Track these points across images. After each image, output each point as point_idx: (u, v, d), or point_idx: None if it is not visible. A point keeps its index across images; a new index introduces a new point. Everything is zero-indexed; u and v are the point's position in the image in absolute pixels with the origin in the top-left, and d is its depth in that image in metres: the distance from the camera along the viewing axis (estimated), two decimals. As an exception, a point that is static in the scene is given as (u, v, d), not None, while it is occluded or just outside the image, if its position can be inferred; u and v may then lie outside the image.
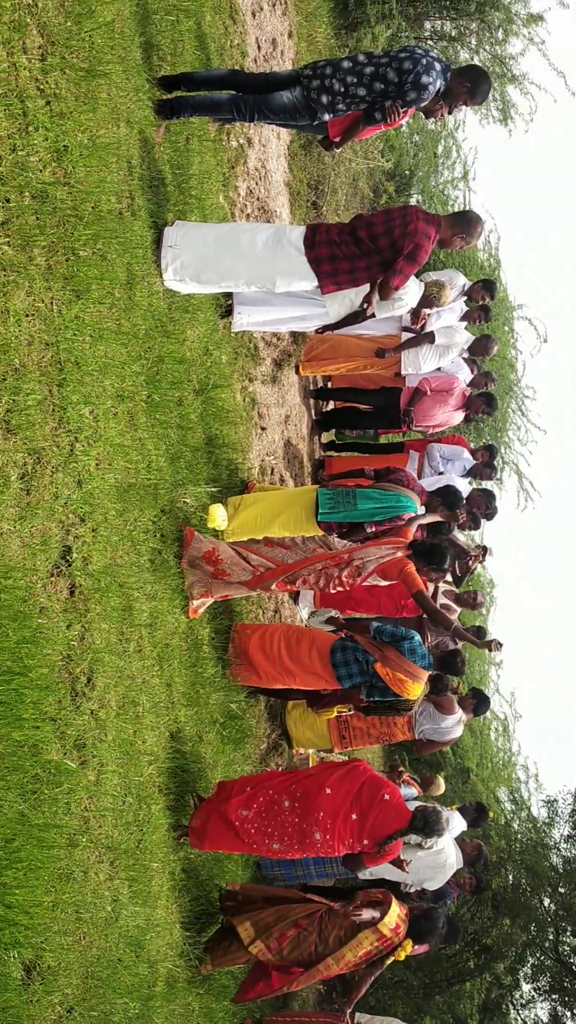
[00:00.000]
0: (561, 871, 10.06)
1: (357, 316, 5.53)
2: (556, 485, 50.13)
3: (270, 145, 7.80)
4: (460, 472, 8.14)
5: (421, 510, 5.83)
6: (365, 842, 4.65)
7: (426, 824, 4.70)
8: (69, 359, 3.55)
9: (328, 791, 4.66)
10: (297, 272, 4.81)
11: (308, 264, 4.77)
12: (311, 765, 6.85)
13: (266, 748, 6.45)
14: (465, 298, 8.21)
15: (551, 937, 9.95)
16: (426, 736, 6.99)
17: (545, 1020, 10.20)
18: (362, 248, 4.77)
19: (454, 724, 6.96)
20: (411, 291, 6.40)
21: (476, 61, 11.05)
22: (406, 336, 7.90)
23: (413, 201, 12.69)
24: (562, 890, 9.95)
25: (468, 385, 8.21)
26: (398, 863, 5.03)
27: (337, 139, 5.31)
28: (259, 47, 7.47)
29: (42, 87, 3.43)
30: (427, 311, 7.15)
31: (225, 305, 5.80)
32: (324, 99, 4.77)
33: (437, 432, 8.47)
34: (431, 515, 5.85)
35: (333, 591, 5.37)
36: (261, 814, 4.68)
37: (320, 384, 9.35)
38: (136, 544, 4.26)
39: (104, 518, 3.85)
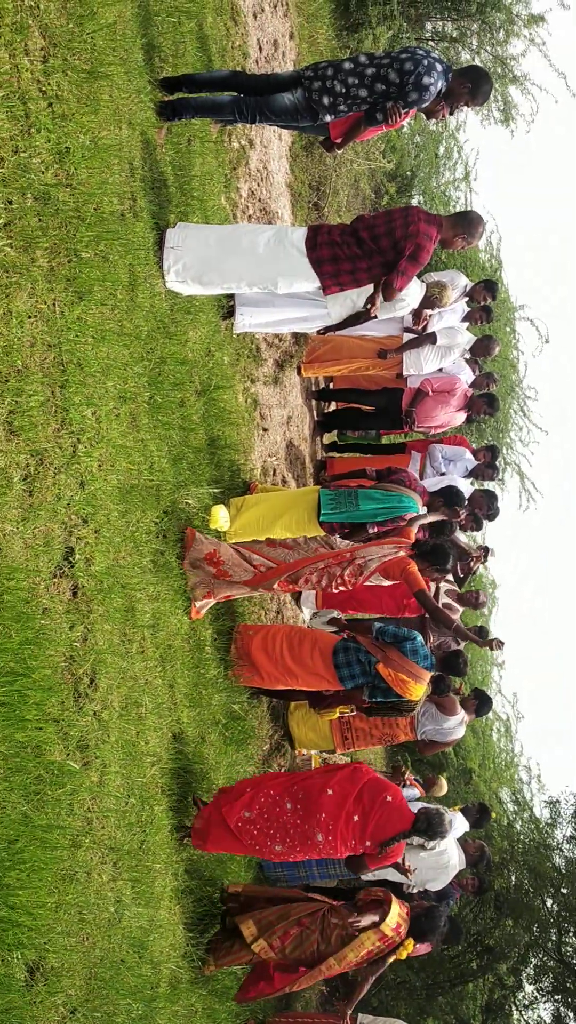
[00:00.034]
0: (564, 872, 10.03)
1: (359, 317, 5.54)
2: (558, 486, 50.14)
3: (272, 146, 7.80)
4: (462, 473, 8.14)
5: (423, 511, 5.84)
6: (368, 844, 4.64)
7: (429, 826, 4.70)
8: (71, 360, 3.56)
9: (330, 792, 4.66)
10: (299, 273, 4.82)
11: (310, 265, 4.77)
12: (313, 766, 6.86)
13: (268, 749, 6.45)
14: (467, 299, 8.20)
15: (554, 938, 9.93)
16: (428, 737, 6.98)
17: (548, 1021, 10.17)
18: (364, 249, 4.77)
19: (456, 725, 6.95)
20: (413, 292, 6.39)
21: (477, 62, 11.07)
22: (408, 337, 7.91)
23: (415, 202, 12.69)
24: (565, 891, 9.94)
25: (470, 386, 8.21)
26: (403, 870, 5.02)
27: (339, 140, 5.32)
28: (260, 48, 7.48)
29: (44, 89, 3.44)
30: (429, 312, 7.15)
31: (227, 306, 5.80)
32: (325, 100, 4.76)
33: (439, 433, 8.47)
34: (433, 515, 5.85)
35: (336, 590, 5.37)
36: (263, 816, 4.67)
37: (322, 385, 9.35)
38: (138, 545, 4.27)
39: (106, 519, 3.86)
